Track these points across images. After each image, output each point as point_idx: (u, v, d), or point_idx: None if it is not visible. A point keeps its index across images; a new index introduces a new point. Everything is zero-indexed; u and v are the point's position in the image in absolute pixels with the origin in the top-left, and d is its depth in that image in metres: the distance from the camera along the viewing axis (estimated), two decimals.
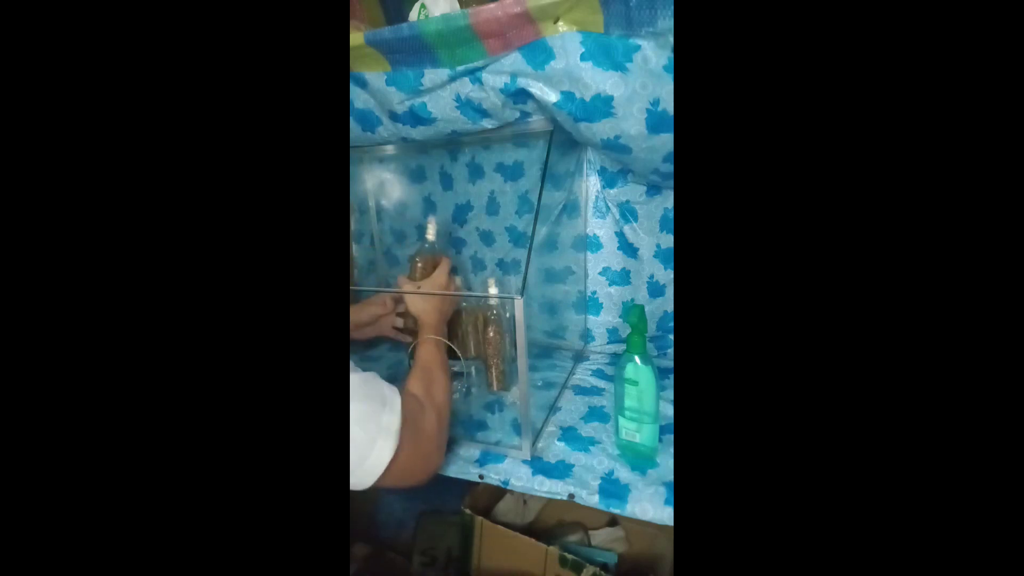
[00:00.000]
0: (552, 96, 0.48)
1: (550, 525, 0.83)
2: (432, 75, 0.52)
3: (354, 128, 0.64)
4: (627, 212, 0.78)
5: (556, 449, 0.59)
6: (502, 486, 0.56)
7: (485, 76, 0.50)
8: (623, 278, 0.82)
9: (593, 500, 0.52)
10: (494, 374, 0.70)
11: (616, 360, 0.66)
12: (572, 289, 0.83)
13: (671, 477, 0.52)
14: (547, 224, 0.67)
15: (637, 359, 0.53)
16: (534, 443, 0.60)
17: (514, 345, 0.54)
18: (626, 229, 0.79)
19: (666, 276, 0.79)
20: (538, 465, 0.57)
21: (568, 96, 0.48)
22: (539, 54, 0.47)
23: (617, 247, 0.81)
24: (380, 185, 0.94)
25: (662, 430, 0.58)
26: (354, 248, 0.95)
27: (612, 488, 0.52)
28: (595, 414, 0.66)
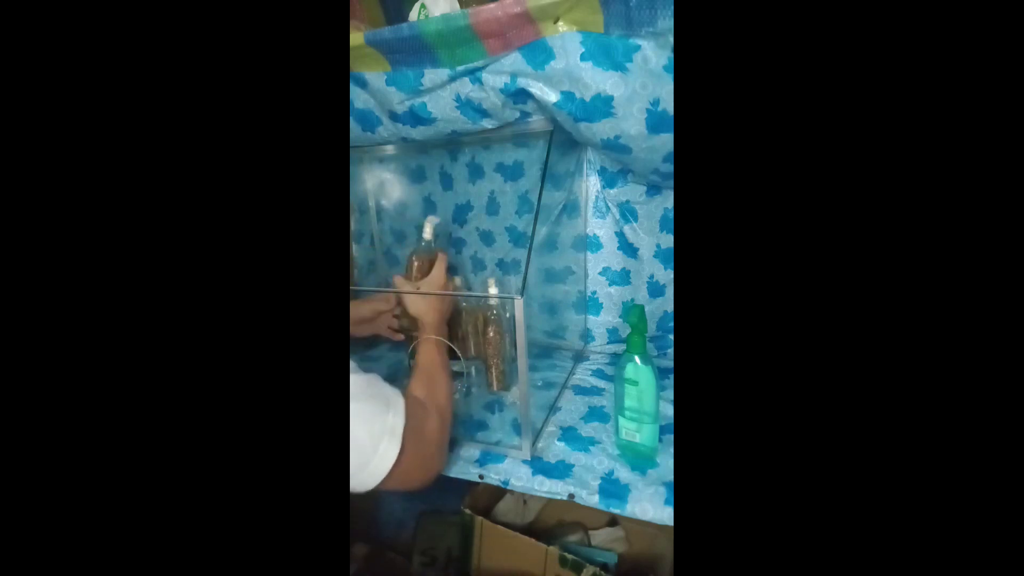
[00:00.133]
0: (552, 96, 0.48)
1: (550, 525, 0.83)
2: (432, 75, 0.52)
3: (354, 128, 0.64)
4: (627, 212, 0.78)
5: (556, 449, 0.59)
6: (502, 486, 0.56)
7: (485, 76, 0.50)
8: (623, 278, 0.82)
9: (593, 500, 0.52)
10: (494, 374, 0.70)
11: (616, 360, 0.66)
12: (572, 289, 0.83)
13: (671, 477, 0.52)
14: (547, 224, 0.67)
15: (637, 359, 0.53)
16: (534, 443, 0.60)
17: (514, 345, 0.54)
18: (626, 229, 0.79)
19: (666, 276, 0.79)
20: (538, 465, 0.57)
21: (568, 96, 0.48)
22: (539, 54, 0.47)
23: (617, 247, 0.81)
24: (380, 185, 0.94)
25: (662, 430, 0.58)
26: (354, 248, 0.95)
27: (612, 488, 0.52)
28: (595, 414, 0.66)
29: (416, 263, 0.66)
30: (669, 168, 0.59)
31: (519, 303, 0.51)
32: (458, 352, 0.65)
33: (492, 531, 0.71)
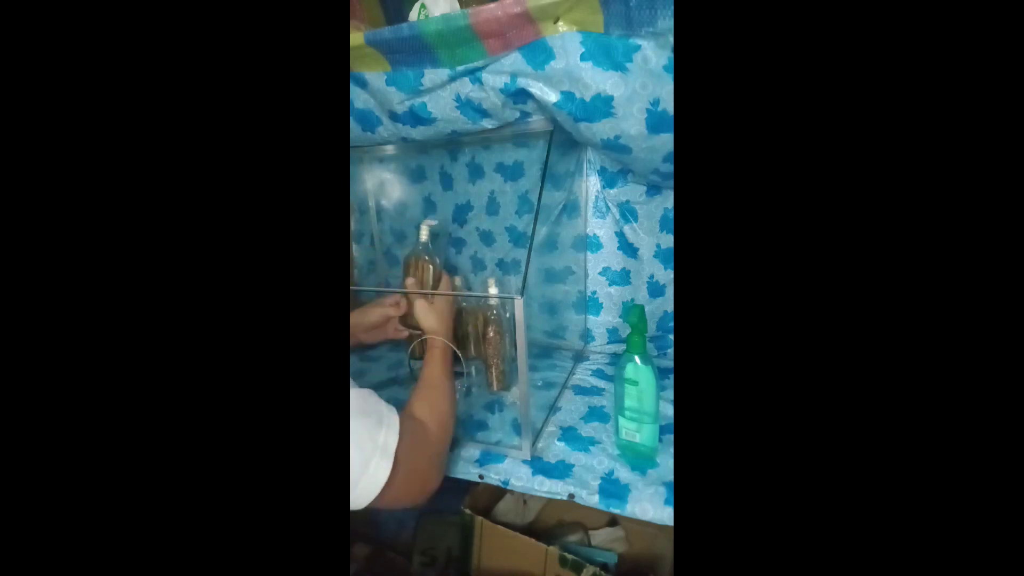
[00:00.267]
0: (552, 96, 0.48)
1: (550, 525, 0.82)
2: (432, 75, 0.52)
3: (354, 128, 0.64)
4: (627, 212, 0.78)
5: (556, 449, 0.59)
6: (502, 486, 0.56)
7: (485, 76, 0.50)
8: (623, 278, 0.82)
9: (593, 500, 0.52)
10: (494, 374, 0.70)
11: (616, 360, 0.66)
12: (572, 289, 0.83)
13: (671, 477, 0.52)
14: (547, 224, 0.67)
15: (637, 359, 0.53)
16: (534, 443, 0.60)
17: (514, 345, 0.54)
18: (626, 229, 0.79)
19: (666, 276, 0.79)
20: (538, 465, 0.57)
21: (568, 96, 0.48)
22: (539, 54, 0.47)
23: (617, 247, 0.81)
24: (380, 185, 0.94)
25: (662, 430, 0.58)
26: (354, 248, 0.95)
27: (612, 488, 0.52)
28: (595, 414, 0.66)
29: (411, 262, 0.66)
30: (669, 168, 0.59)
31: (519, 303, 0.51)
32: (458, 352, 0.65)
33: (492, 531, 0.71)
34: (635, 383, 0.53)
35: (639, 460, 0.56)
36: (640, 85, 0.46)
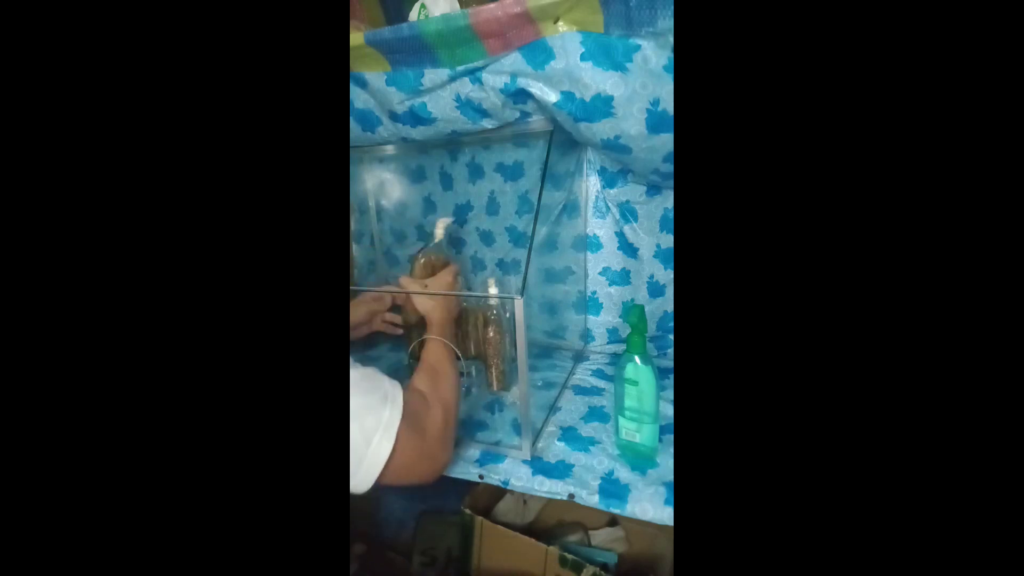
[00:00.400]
0: (552, 96, 0.48)
1: (550, 525, 0.83)
2: (432, 75, 0.52)
3: (354, 128, 0.64)
4: (627, 212, 0.78)
5: (556, 449, 0.59)
6: (502, 486, 0.56)
7: (485, 76, 0.50)
8: (623, 278, 0.82)
9: (593, 500, 0.52)
10: (494, 374, 0.70)
11: (616, 360, 0.66)
12: (572, 289, 0.82)
13: (671, 477, 0.52)
14: (547, 224, 0.67)
15: (637, 359, 0.53)
16: (534, 443, 0.60)
17: (514, 345, 0.54)
18: (626, 229, 0.79)
19: (666, 276, 0.79)
20: (538, 465, 0.57)
21: (568, 96, 0.48)
22: (539, 54, 0.47)
23: (617, 247, 0.81)
24: (380, 185, 0.94)
25: (662, 430, 0.58)
26: (354, 248, 0.95)
27: (612, 488, 0.52)
28: (595, 414, 0.66)
29: (421, 260, 0.66)
30: (669, 168, 0.59)
31: (519, 303, 0.51)
32: (458, 352, 0.65)
33: (492, 531, 0.71)
34: (635, 383, 0.53)
35: (639, 460, 0.56)
36: (640, 85, 0.46)
